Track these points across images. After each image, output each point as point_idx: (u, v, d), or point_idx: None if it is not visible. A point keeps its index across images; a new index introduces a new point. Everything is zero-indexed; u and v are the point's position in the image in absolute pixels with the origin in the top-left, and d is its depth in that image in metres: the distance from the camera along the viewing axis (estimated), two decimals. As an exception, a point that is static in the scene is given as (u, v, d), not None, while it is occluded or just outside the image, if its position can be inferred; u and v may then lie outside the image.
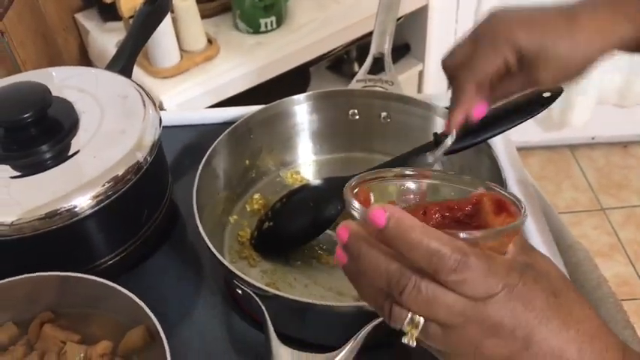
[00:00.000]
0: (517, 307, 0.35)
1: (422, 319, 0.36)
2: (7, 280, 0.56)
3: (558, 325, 0.36)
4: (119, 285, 0.55)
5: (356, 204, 0.37)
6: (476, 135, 0.61)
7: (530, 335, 0.35)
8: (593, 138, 2.03)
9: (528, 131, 1.95)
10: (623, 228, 1.83)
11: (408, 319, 0.36)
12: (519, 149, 0.77)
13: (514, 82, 0.55)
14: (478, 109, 0.55)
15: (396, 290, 0.35)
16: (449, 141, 0.60)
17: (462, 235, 0.35)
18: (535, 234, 0.67)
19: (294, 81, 1.40)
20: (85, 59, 1.44)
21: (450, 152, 0.62)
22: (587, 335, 0.36)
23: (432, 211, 0.39)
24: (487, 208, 0.39)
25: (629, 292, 1.67)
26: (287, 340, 0.52)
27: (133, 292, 0.55)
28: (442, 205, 0.40)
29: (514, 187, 0.71)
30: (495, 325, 0.35)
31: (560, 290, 0.37)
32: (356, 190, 0.40)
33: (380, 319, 0.52)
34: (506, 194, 0.39)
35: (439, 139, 0.62)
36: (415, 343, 0.36)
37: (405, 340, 0.36)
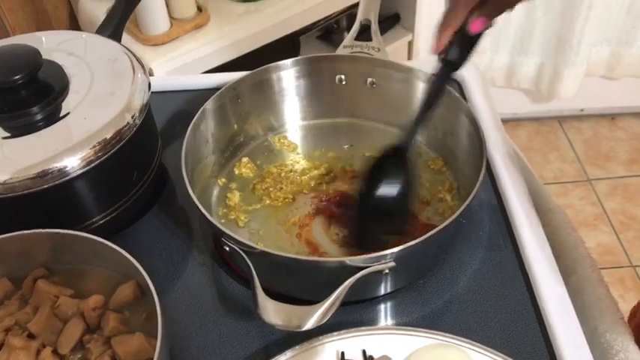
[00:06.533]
0: None
1: None
2: (1, 236, 0.57)
3: None
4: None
5: None
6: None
7: None
8: (581, 110, 2.05)
9: (517, 103, 1.96)
10: (608, 198, 1.86)
11: None
12: (508, 121, 0.78)
13: None
14: (475, 24, 0.57)
15: None
16: None
17: None
18: (514, 197, 0.69)
19: (284, 50, 1.40)
20: (74, 26, 1.44)
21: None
22: None
23: None
24: None
25: (612, 260, 1.71)
26: (273, 295, 0.54)
27: (124, 250, 0.56)
28: None
29: (494, 150, 0.73)
30: None
31: None
32: None
33: (361, 273, 0.54)
34: None
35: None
36: None
37: None
